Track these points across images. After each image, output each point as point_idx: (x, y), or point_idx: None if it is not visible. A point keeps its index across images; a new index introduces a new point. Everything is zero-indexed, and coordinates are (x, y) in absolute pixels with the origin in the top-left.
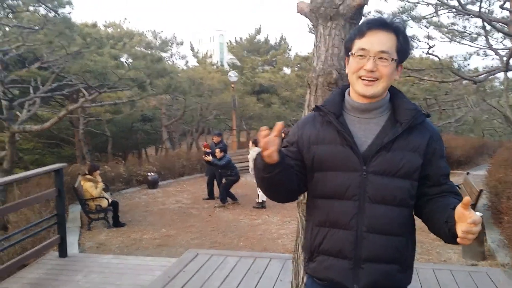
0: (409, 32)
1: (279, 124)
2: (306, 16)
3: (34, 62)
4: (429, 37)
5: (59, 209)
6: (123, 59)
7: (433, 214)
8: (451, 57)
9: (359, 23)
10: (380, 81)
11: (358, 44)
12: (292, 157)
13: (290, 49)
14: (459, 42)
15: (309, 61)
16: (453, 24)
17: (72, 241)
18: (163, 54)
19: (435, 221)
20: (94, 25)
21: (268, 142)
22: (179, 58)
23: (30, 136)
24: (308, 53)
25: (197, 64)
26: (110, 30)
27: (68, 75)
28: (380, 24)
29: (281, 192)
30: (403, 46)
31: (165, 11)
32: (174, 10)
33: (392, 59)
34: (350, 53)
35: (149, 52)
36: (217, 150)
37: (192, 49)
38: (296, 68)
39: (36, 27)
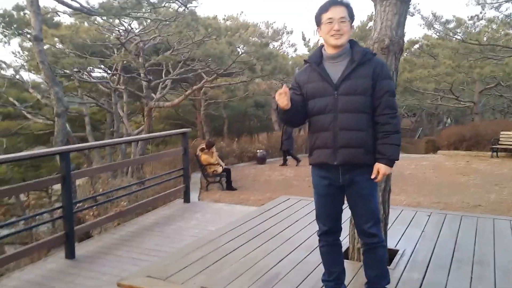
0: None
1: (285, 87)
2: None
3: (166, 51)
4: None
5: (184, 163)
6: (237, 47)
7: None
8: None
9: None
10: (344, 35)
11: (326, 16)
12: (298, 93)
13: None
14: None
15: None
16: None
17: (193, 197)
18: (275, 43)
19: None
20: (215, 18)
21: (281, 97)
22: (289, 46)
23: (161, 118)
24: None
25: (307, 53)
26: (228, 22)
27: (192, 62)
28: (336, 2)
29: (295, 122)
30: (351, 13)
31: (281, 1)
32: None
33: (348, 21)
34: (321, 23)
35: (259, 41)
36: None
37: (303, 38)
38: None
39: (169, 21)
